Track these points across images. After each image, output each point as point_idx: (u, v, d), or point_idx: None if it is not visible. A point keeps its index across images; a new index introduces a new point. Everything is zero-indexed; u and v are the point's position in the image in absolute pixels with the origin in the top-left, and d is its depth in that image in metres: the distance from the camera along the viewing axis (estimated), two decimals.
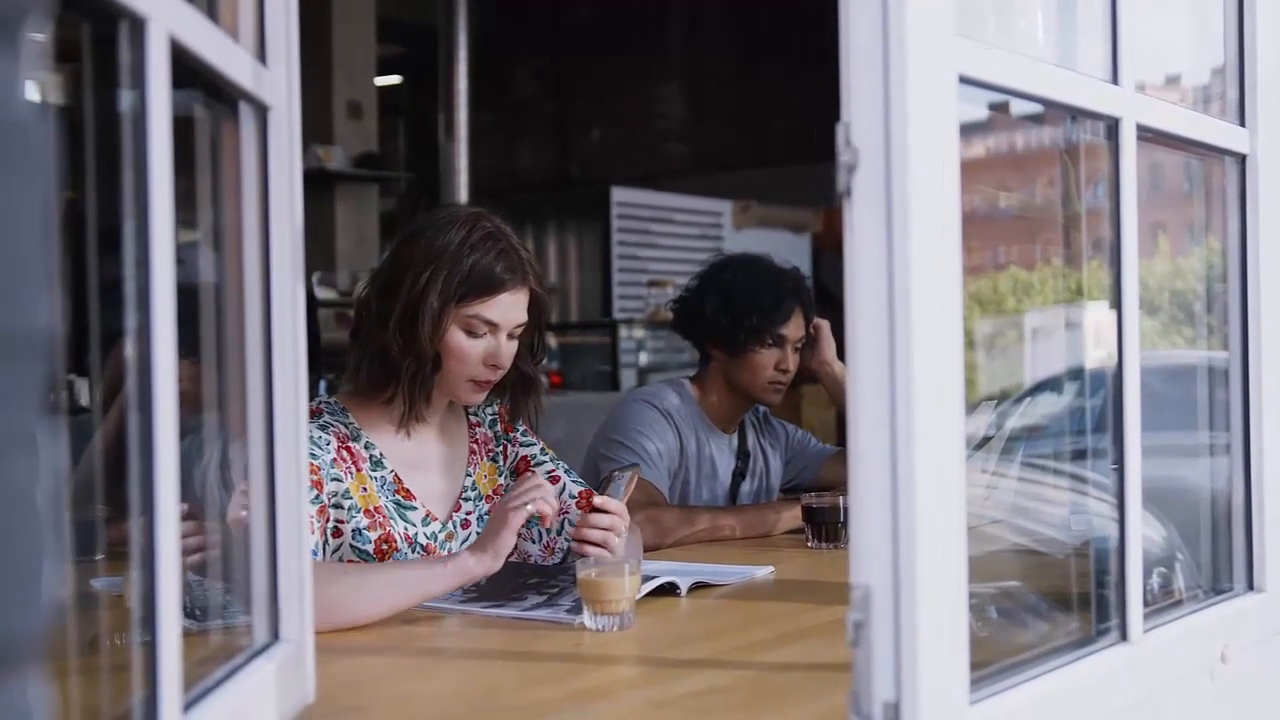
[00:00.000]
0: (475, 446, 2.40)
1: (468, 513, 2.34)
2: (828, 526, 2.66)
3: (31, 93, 0.55)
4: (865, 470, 1.19)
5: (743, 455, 3.17)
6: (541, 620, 1.93)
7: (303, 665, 1.42)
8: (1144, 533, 1.58)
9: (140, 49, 1.01)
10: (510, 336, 2.25)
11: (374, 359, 2.22)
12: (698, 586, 2.19)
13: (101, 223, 1.08)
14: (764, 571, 2.36)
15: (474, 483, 2.37)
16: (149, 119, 1.01)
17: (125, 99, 1.02)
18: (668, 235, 8.27)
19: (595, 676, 1.70)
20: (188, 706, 1.09)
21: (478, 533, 2.30)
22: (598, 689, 1.63)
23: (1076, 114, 1.57)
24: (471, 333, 2.21)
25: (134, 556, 1.04)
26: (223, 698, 1.19)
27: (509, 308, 2.23)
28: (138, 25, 1.00)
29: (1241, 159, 1.82)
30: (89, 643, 1.34)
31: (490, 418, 2.44)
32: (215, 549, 1.50)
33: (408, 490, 2.26)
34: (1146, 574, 1.62)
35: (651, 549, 2.71)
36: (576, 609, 1.92)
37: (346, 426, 2.22)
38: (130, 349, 1.03)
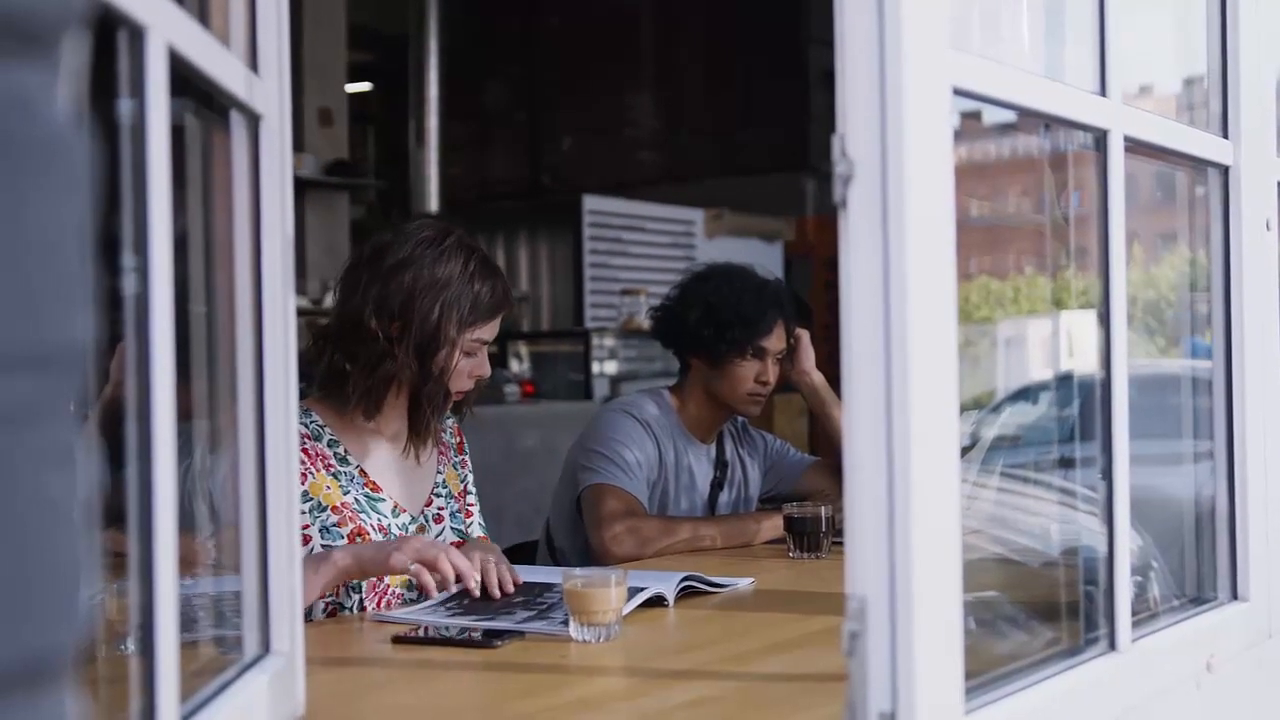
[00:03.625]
0: (443, 448, 2.49)
1: (439, 508, 2.42)
2: (809, 536, 2.66)
3: (69, 105, 0.55)
4: (861, 481, 1.18)
5: (721, 465, 3.16)
6: (535, 633, 1.92)
7: (294, 678, 1.41)
8: None
9: (139, 58, 1.00)
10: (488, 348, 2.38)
11: (383, 384, 2.27)
12: (686, 591, 2.21)
13: (96, 231, 1.07)
14: (745, 583, 2.36)
15: (444, 480, 2.46)
16: (148, 127, 1.00)
17: (123, 107, 1.01)
18: (640, 244, 8.26)
19: (585, 688, 1.69)
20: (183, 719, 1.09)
21: (452, 528, 2.42)
22: (588, 700, 1.62)
23: (1066, 125, 1.58)
24: (469, 354, 2.32)
25: (131, 568, 1.03)
26: (216, 711, 1.18)
27: (497, 325, 2.36)
28: (137, 34, 0.99)
29: (1224, 170, 1.84)
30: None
31: (449, 428, 2.53)
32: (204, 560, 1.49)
33: (375, 483, 2.32)
34: None
35: (633, 559, 2.71)
36: (569, 622, 1.92)
37: (307, 426, 2.25)
38: (128, 359, 1.02)
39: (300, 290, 7.07)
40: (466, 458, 2.54)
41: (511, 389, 6.62)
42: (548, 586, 2.19)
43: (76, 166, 0.54)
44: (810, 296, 7.24)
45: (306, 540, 2.19)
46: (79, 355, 0.55)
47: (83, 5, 0.56)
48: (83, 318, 0.55)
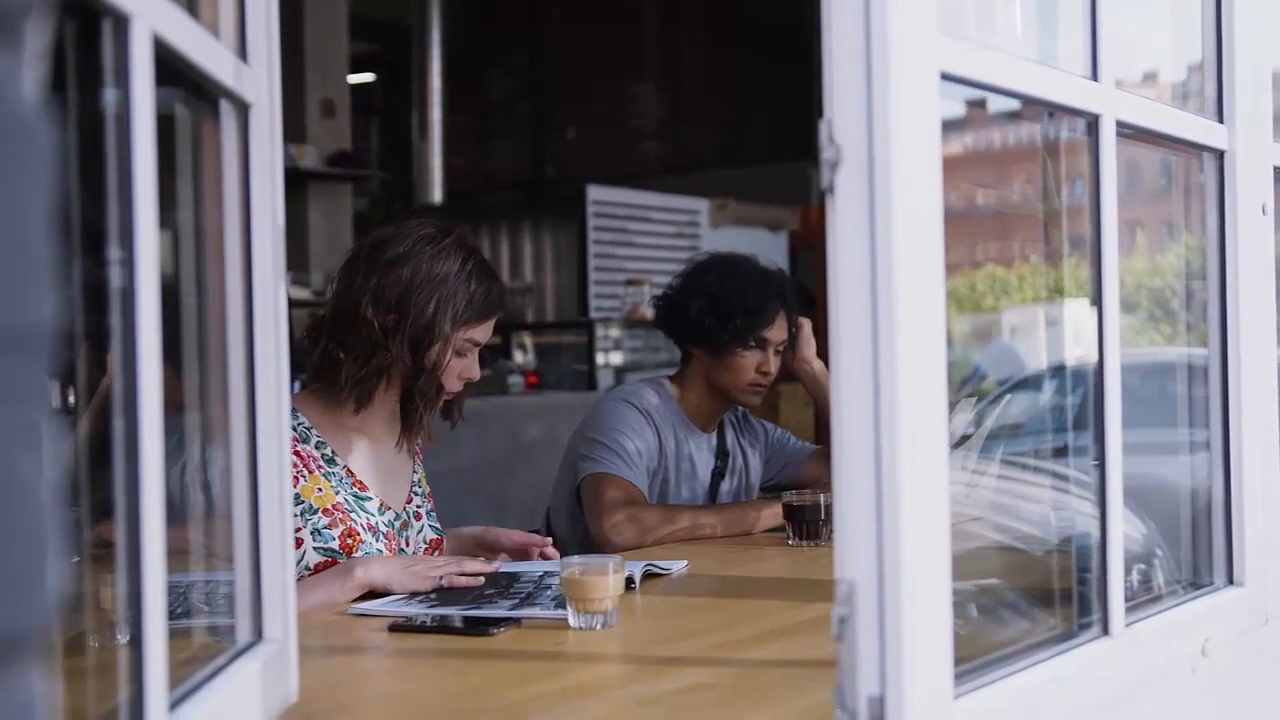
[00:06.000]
0: (417, 450, 2.51)
1: (418, 506, 2.46)
2: (808, 524, 2.66)
3: (34, 89, 0.55)
4: (849, 465, 1.19)
5: (722, 454, 3.17)
6: (531, 618, 1.92)
7: (286, 665, 1.41)
8: (1124, 529, 1.59)
9: (124, 46, 1.00)
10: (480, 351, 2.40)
11: (375, 375, 2.29)
12: (649, 576, 2.26)
13: (81, 222, 1.07)
14: (679, 565, 2.40)
15: (419, 480, 2.49)
16: (133, 117, 1.01)
17: (108, 96, 1.02)
18: (644, 234, 8.26)
19: (580, 675, 1.69)
20: (173, 706, 1.09)
21: (430, 525, 2.46)
22: (583, 687, 1.63)
23: (1057, 110, 1.58)
24: (459, 353, 2.34)
25: (118, 558, 1.03)
26: (207, 697, 1.18)
27: (491, 328, 2.39)
28: (121, 23, 0.99)
29: (1220, 155, 1.83)
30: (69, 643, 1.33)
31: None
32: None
33: (361, 482, 2.34)
34: (1127, 570, 1.63)
35: (633, 548, 2.71)
36: (559, 605, 1.92)
37: (295, 429, 2.26)
38: (113, 350, 1.02)
39: (303, 283, 7.07)
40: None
41: (515, 380, 6.63)
42: (515, 576, 2.22)
43: (41, 150, 0.55)
44: (815, 286, 7.24)
45: (299, 544, 2.20)
46: (46, 337, 0.56)
47: None
48: (49, 300, 0.55)
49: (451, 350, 2.31)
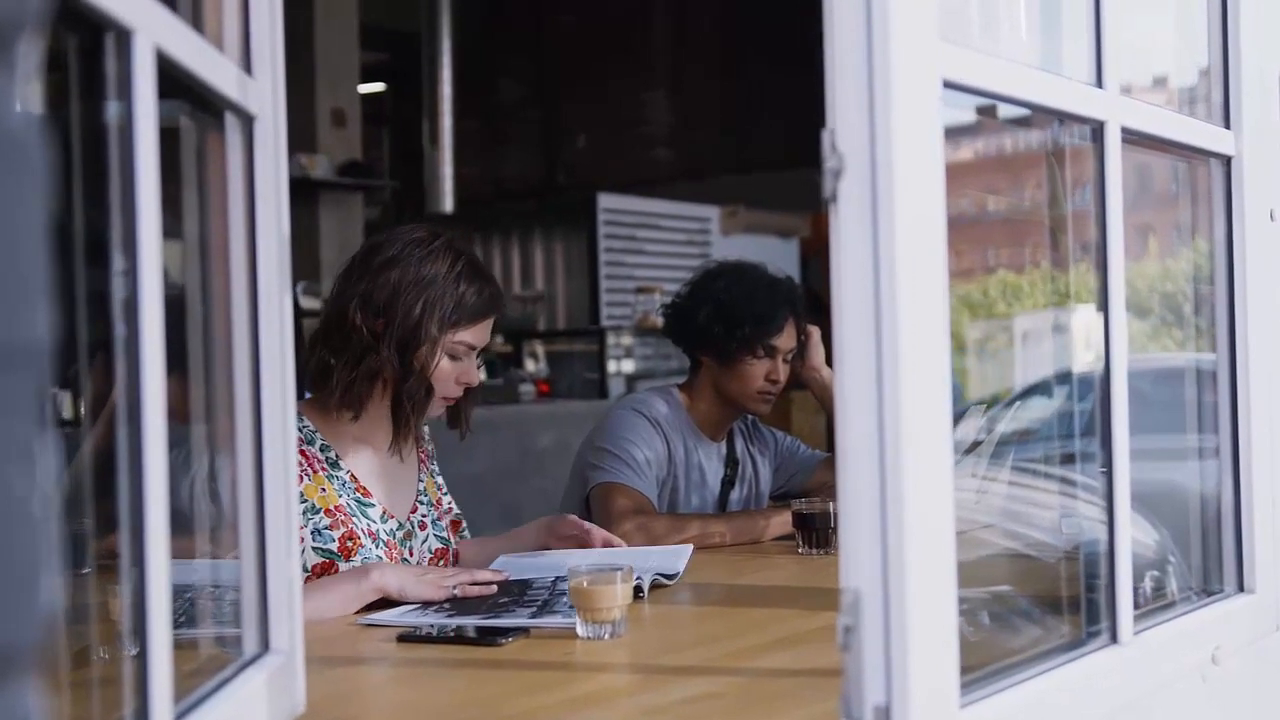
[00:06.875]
0: (423, 457, 2.52)
1: (423, 515, 2.46)
2: (818, 532, 2.66)
3: (27, 104, 0.55)
4: (854, 474, 1.19)
5: (732, 463, 3.16)
6: (545, 627, 1.92)
7: (293, 676, 1.41)
8: (1136, 536, 1.58)
9: (126, 60, 1.00)
10: (479, 356, 2.39)
11: (366, 380, 2.30)
12: (656, 585, 2.25)
13: (85, 233, 1.08)
14: (685, 550, 2.44)
15: (424, 489, 2.49)
16: (135, 130, 1.01)
17: (111, 110, 1.02)
18: (655, 241, 8.26)
19: (588, 684, 1.69)
20: (179, 717, 1.09)
21: (434, 535, 2.45)
22: (591, 696, 1.62)
23: (1061, 117, 1.58)
24: (453, 356, 2.33)
25: (122, 570, 1.04)
26: (213, 709, 1.18)
27: (487, 331, 2.38)
28: (124, 36, 1.00)
29: (1227, 161, 1.83)
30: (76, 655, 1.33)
31: (426, 437, 2.57)
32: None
33: (365, 489, 2.35)
34: (1139, 577, 1.62)
35: None
36: (573, 614, 1.92)
37: (300, 430, 2.27)
38: (118, 361, 1.02)
39: (314, 293, 7.07)
40: (435, 466, 2.58)
41: (527, 388, 6.63)
42: (527, 584, 2.22)
43: (36, 167, 0.55)
44: (826, 293, 7.23)
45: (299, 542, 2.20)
46: (41, 353, 0.56)
47: (39, 6, 0.57)
48: (44, 317, 0.56)
49: (440, 353, 2.30)
